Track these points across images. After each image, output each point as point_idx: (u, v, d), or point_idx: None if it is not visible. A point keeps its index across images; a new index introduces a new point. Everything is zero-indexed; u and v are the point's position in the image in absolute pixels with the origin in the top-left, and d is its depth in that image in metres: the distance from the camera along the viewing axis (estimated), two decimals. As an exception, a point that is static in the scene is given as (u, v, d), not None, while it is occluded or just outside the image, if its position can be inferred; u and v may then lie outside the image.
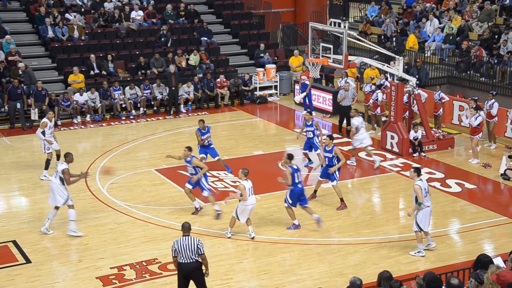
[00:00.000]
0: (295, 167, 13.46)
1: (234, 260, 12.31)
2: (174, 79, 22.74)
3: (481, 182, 16.49)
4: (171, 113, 22.83)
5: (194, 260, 9.95)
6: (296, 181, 13.36)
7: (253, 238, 13.06)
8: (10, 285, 11.53)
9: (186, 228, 10.16)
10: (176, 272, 10.29)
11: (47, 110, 20.23)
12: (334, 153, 14.41)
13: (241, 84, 24.31)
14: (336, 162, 14.45)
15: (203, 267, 10.13)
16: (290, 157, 13.56)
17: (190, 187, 14.20)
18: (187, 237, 10.02)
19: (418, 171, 12.46)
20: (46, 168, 16.72)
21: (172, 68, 22.94)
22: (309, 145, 17.13)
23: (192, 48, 25.24)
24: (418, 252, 12.45)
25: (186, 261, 9.95)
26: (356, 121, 17.42)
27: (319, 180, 15.20)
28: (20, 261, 12.40)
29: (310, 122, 16.78)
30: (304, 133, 17.14)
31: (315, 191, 15.18)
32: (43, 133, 16.52)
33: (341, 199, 14.73)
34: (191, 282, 10.27)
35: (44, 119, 16.82)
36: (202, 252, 9.98)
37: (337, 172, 14.56)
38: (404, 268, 11.87)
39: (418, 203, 12.16)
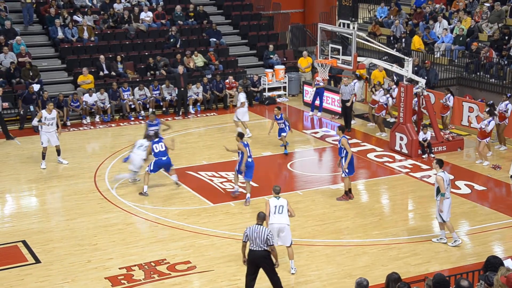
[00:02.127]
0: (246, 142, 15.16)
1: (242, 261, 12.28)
2: (183, 80, 22.79)
3: (490, 184, 16.41)
4: (180, 114, 22.87)
5: (262, 249, 10.39)
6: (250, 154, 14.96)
7: (293, 273, 11.82)
8: (20, 285, 11.58)
9: (260, 218, 10.63)
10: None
11: (33, 113, 20.66)
12: (342, 144, 14.63)
13: (250, 85, 24.32)
14: (344, 154, 14.64)
15: (273, 258, 10.51)
16: (241, 135, 15.08)
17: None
18: (259, 226, 10.45)
19: (440, 162, 12.69)
20: (43, 158, 17.46)
21: (180, 69, 22.98)
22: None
23: (201, 49, 25.29)
24: (455, 241, 12.75)
25: (255, 248, 10.42)
26: (242, 96, 19.79)
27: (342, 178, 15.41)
28: (29, 261, 12.46)
29: (280, 116, 18.27)
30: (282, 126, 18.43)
31: (348, 191, 15.18)
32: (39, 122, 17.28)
33: (346, 192, 15.03)
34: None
35: (42, 110, 17.59)
36: (271, 243, 10.44)
37: (346, 167, 14.70)
38: (413, 270, 11.83)
39: (442, 194, 12.42)
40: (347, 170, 14.76)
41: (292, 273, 11.78)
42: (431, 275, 8.61)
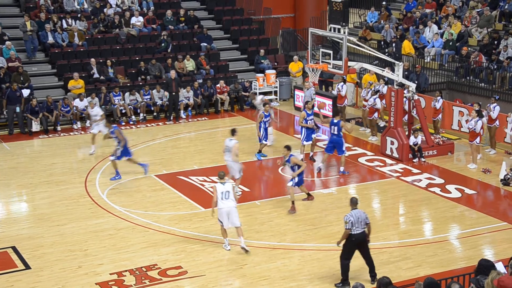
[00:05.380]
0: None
1: (234, 266, 12.28)
2: (174, 84, 22.76)
3: (481, 188, 16.48)
4: (171, 118, 22.83)
5: (363, 230, 11.19)
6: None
7: (247, 252, 12.67)
8: (10, 291, 11.51)
9: (354, 202, 11.38)
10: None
11: (19, 114, 20.73)
12: (292, 163, 14.51)
13: (241, 90, 24.33)
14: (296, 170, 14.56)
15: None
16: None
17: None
18: (358, 210, 11.25)
19: None
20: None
21: (173, 73, 22.97)
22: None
23: (192, 54, 25.29)
24: None
25: (359, 231, 11.13)
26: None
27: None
28: (19, 267, 12.38)
29: (268, 113, 18.69)
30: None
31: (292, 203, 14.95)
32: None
33: (292, 202, 14.76)
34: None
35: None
36: (369, 221, 11.29)
37: (296, 178, 14.60)
38: (404, 274, 11.85)
39: None
40: (296, 179, 14.59)
41: (243, 247, 12.57)
42: (422, 279, 8.63)
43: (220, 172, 12.88)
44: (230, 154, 15.33)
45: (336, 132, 17.10)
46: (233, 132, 15.71)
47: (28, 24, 23.70)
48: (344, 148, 17.25)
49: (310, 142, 18.25)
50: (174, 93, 22.75)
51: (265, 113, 18.53)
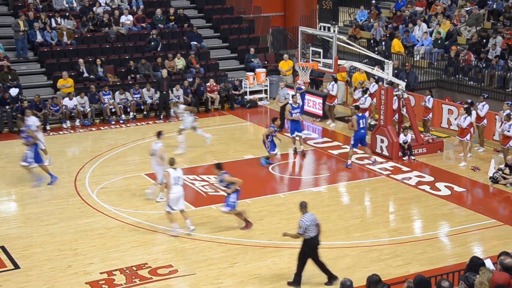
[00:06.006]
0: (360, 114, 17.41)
1: (224, 264, 12.28)
2: (166, 83, 22.70)
3: (470, 185, 16.56)
4: (161, 117, 22.78)
5: (317, 232, 11.08)
6: (361, 126, 17.07)
7: (192, 230, 13.36)
8: (-1, 291, 11.46)
9: (304, 206, 11.11)
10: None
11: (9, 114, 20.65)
12: (226, 181, 13.40)
13: (231, 88, 24.31)
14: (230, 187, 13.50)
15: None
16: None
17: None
18: (308, 213, 10.99)
19: None
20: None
21: (164, 72, 22.92)
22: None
23: (182, 53, 25.24)
24: None
25: (314, 234, 10.96)
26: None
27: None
28: (8, 266, 12.31)
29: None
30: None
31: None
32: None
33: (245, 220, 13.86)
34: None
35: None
36: (319, 222, 11.12)
37: (231, 198, 13.47)
38: (394, 271, 11.89)
39: None
40: (231, 201, 13.50)
41: (192, 229, 13.27)
42: (412, 276, 8.66)
43: (171, 158, 13.48)
44: (155, 158, 15.00)
45: (362, 126, 17.58)
46: (158, 134, 15.45)
47: (21, 24, 23.53)
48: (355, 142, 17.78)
49: (298, 134, 18.52)
50: (165, 92, 22.71)
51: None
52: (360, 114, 17.76)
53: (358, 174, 17.49)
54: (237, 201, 13.59)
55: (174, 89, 23.21)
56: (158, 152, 14.96)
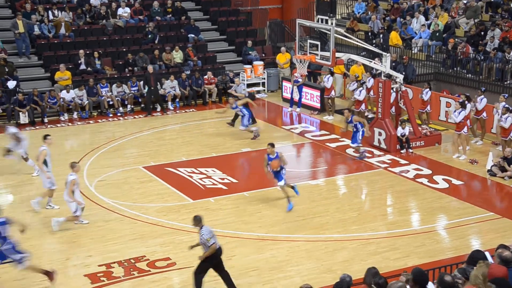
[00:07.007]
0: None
1: (223, 257, 12.25)
2: (153, 78, 22.55)
3: (468, 178, 16.59)
4: (150, 113, 22.52)
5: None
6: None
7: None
8: (-3, 284, 11.45)
9: (199, 220, 10.63)
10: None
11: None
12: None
13: (228, 81, 24.27)
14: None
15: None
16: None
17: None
18: (205, 226, 10.62)
19: None
20: None
21: (150, 68, 22.79)
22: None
23: (179, 45, 25.18)
24: None
25: (219, 245, 10.68)
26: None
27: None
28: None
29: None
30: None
31: None
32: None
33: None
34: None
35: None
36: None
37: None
38: (392, 264, 11.92)
39: None
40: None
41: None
42: (410, 269, 8.68)
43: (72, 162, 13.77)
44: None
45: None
46: (44, 138, 14.91)
47: (20, 24, 23.29)
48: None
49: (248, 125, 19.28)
50: (152, 88, 22.52)
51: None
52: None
53: (355, 166, 17.49)
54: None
55: (168, 80, 23.06)
56: (39, 156, 14.41)
